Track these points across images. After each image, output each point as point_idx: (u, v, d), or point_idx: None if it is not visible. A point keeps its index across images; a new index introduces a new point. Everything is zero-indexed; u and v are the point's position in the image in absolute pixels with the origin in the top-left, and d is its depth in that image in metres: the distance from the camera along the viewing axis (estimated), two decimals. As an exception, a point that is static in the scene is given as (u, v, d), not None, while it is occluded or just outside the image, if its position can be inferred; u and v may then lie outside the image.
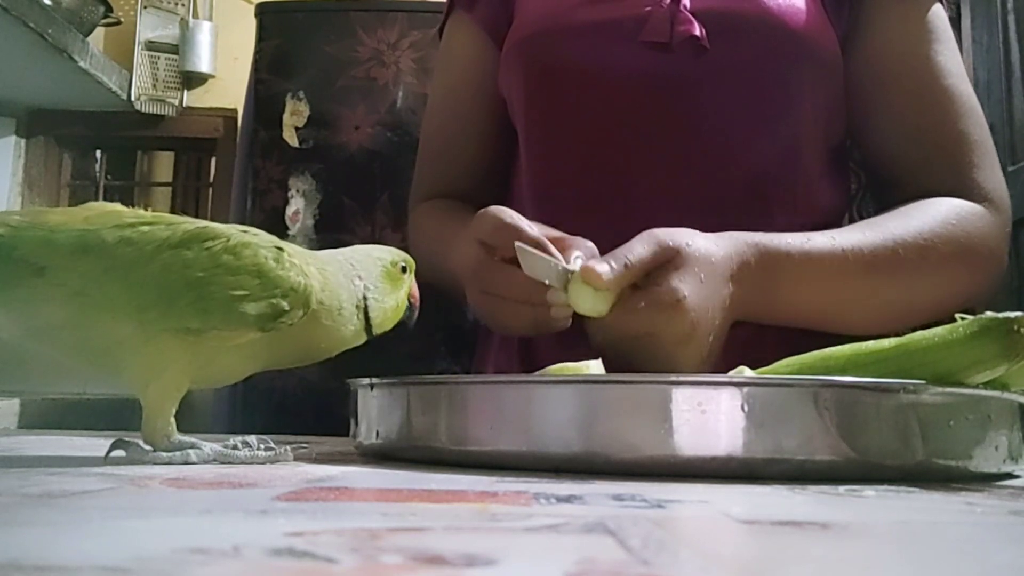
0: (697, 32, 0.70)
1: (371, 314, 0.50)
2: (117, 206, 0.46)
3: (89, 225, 0.42)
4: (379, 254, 0.52)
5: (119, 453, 0.43)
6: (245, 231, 0.44)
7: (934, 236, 0.66)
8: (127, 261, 0.42)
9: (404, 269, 0.53)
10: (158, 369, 0.43)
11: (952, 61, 0.72)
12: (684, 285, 0.55)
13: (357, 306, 0.49)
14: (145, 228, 0.43)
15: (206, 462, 0.42)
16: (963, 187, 0.69)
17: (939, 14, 0.74)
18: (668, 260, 0.56)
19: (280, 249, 0.44)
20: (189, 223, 0.44)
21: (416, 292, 0.55)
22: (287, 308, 0.43)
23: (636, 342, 0.55)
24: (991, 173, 0.70)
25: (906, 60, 0.72)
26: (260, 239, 0.44)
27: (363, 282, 0.49)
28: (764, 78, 0.71)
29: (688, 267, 0.56)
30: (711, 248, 0.58)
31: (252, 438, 0.46)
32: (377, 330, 0.51)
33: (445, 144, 0.85)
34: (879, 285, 0.65)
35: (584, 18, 0.74)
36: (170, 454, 0.42)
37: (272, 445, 0.45)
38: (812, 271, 0.63)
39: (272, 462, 0.44)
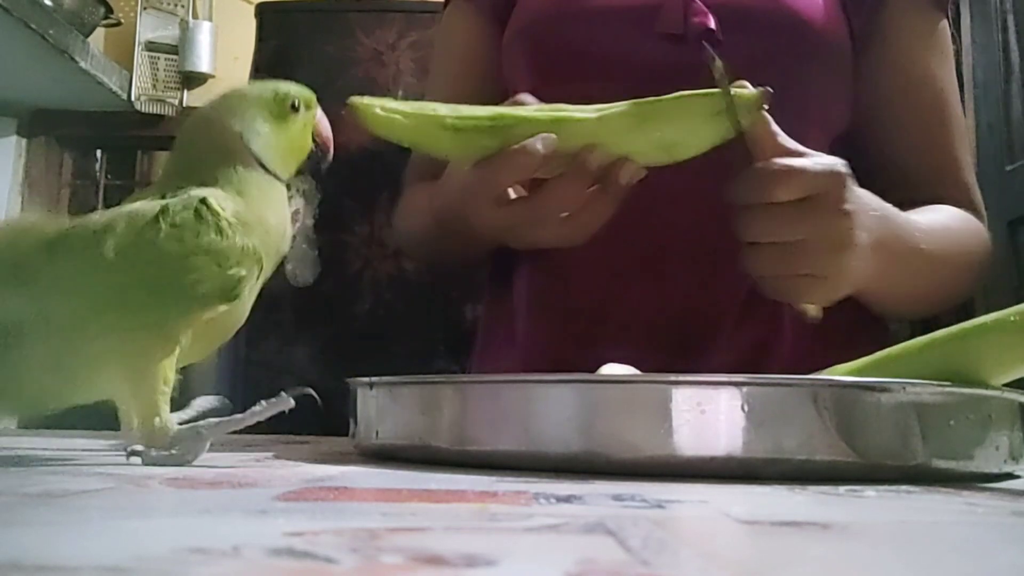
0: (712, 24, 0.70)
1: (259, 155, 0.47)
2: (35, 218, 0.45)
3: (14, 252, 0.42)
4: (257, 92, 0.49)
5: (135, 460, 0.42)
6: (164, 202, 0.42)
7: (966, 235, 0.71)
8: (67, 283, 0.41)
9: (296, 106, 0.49)
10: (138, 371, 0.42)
11: (953, 81, 0.77)
12: (851, 202, 0.55)
13: (243, 165, 0.46)
14: (71, 240, 0.42)
15: (213, 438, 0.42)
16: (964, 203, 0.74)
17: (946, 30, 0.77)
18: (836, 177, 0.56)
19: (212, 212, 0.42)
20: (107, 218, 0.42)
21: (325, 132, 0.50)
22: (243, 274, 0.42)
23: (793, 250, 0.55)
24: (978, 192, 0.77)
25: (920, 78, 0.75)
26: (184, 203, 0.42)
27: (233, 130, 0.47)
28: (775, 71, 0.71)
29: (853, 191, 0.56)
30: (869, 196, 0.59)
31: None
32: (276, 170, 0.47)
33: None
34: (925, 271, 0.67)
35: (593, 4, 0.73)
36: (177, 451, 0.41)
37: (265, 400, 0.43)
38: (910, 248, 0.64)
39: (272, 413, 0.42)
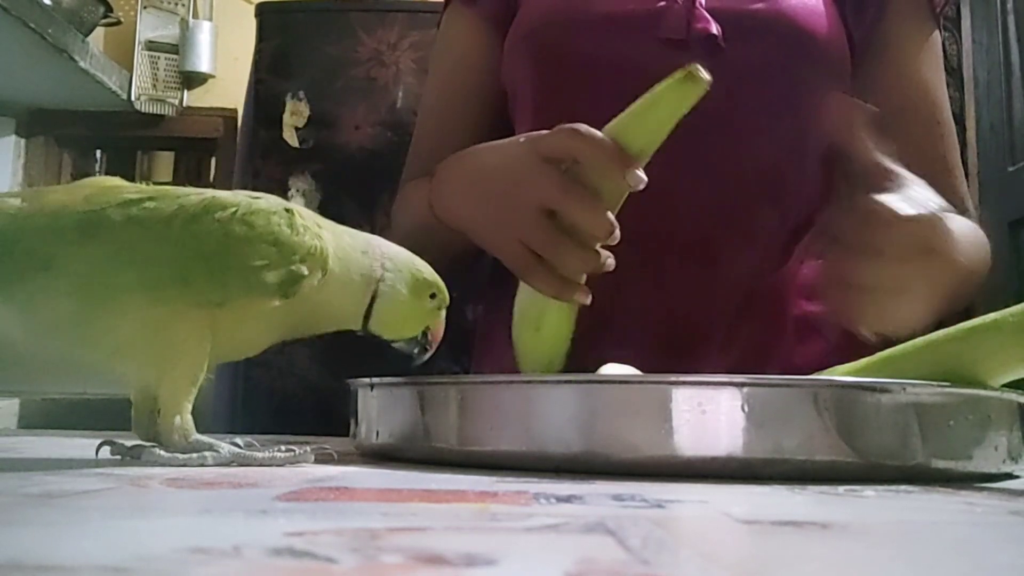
0: (715, 30, 0.70)
1: (376, 305, 0.48)
2: (117, 180, 0.44)
3: (91, 205, 0.41)
4: (419, 265, 0.50)
5: (132, 459, 0.41)
6: (256, 197, 0.44)
7: (977, 246, 0.71)
8: (136, 242, 0.41)
9: (434, 296, 0.50)
10: (175, 352, 0.41)
11: (944, 89, 0.79)
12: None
13: (367, 285, 0.47)
14: (150, 204, 0.41)
15: (223, 465, 0.41)
16: (960, 209, 0.75)
17: (938, 39, 0.79)
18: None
19: (291, 212, 0.43)
20: (195, 195, 0.43)
21: (438, 334, 0.51)
22: (305, 273, 0.43)
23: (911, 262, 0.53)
24: (970, 198, 0.78)
25: (919, 88, 0.77)
26: (270, 204, 0.43)
27: (384, 271, 0.48)
28: (776, 78, 0.71)
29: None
30: None
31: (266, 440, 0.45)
32: (374, 326, 0.48)
33: (441, 137, 0.84)
34: (959, 288, 0.67)
35: (597, 10, 0.73)
36: (186, 456, 0.40)
37: (292, 447, 0.44)
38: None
39: (292, 463, 0.42)
